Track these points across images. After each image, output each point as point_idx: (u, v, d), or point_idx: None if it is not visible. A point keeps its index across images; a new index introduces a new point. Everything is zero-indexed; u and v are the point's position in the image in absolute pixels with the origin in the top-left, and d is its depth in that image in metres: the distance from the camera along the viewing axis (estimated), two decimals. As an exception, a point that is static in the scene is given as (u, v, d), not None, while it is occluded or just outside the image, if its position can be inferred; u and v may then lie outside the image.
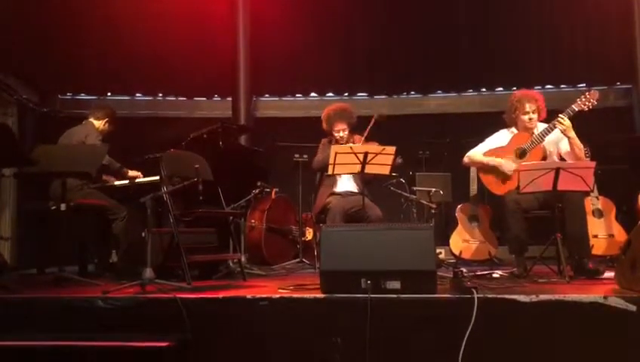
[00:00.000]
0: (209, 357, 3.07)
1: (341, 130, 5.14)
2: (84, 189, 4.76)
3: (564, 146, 4.39)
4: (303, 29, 7.59)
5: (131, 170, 5.09)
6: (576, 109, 4.26)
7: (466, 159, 4.76)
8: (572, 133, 4.25)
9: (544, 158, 4.39)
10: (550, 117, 4.50)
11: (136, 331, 2.99)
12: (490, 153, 4.61)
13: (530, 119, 4.47)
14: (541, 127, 4.47)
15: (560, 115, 4.25)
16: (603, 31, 7.31)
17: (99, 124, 5.18)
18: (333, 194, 5.12)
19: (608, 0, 7.20)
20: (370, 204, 4.89)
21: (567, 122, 4.22)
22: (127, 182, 5.00)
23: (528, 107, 4.46)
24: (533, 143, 4.42)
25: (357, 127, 5.22)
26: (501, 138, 4.65)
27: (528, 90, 4.77)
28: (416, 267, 3.08)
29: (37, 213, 5.07)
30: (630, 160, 6.23)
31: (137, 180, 4.98)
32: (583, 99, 4.26)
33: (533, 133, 4.47)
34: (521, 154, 4.45)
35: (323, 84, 7.98)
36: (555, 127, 4.30)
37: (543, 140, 4.40)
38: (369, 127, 4.91)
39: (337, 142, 5.19)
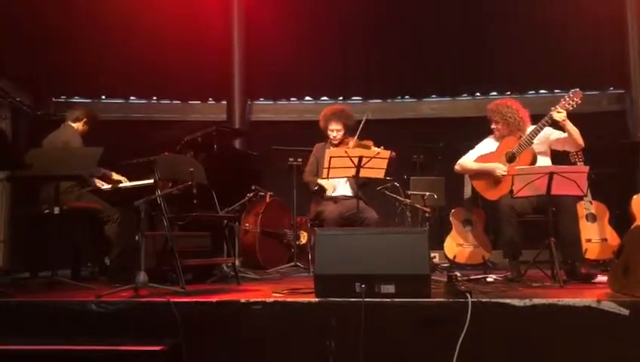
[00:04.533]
0: (202, 361, 3.06)
1: (335, 130, 5.18)
2: (74, 192, 4.75)
3: (559, 135, 4.43)
4: (298, 32, 7.59)
5: (124, 173, 5.08)
6: (562, 110, 4.28)
7: (457, 167, 4.80)
8: (568, 122, 4.28)
9: (534, 161, 4.40)
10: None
11: (129, 335, 2.98)
12: (480, 159, 4.64)
13: (497, 129, 4.62)
14: (529, 130, 4.49)
15: (555, 111, 4.27)
16: (596, 36, 7.35)
17: (77, 125, 5.15)
18: (327, 199, 5.13)
19: (601, 6, 7.23)
20: (366, 208, 4.90)
21: (564, 114, 4.26)
22: (120, 185, 4.98)
23: (491, 119, 4.65)
24: (521, 147, 4.43)
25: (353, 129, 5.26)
26: (488, 145, 4.70)
27: (500, 100, 4.81)
28: (410, 271, 3.08)
29: (30, 217, 5.05)
30: (623, 164, 6.26)
31: (128, 184, 4.96)
32: (567, 99, 4.30)
33: (520, 136, 4.49)
34: (511, 158, 4.47)
35: (317, 87, 7.98)
36: (544, 127, 4.33)
37: (532, 143, 4.42)
38: (359, 128, 4.95)
39: (330, 141, 5.21)
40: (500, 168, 4.46)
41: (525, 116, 4.56)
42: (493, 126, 4.67)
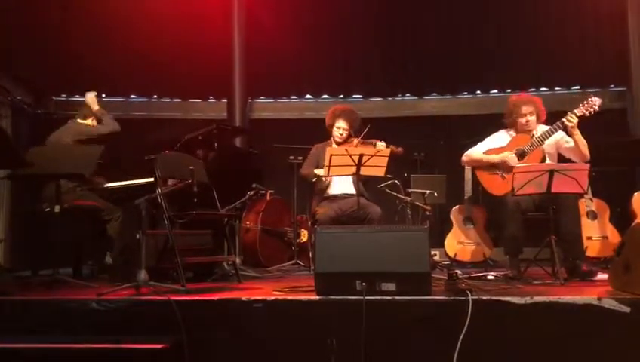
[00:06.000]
0: (204, 359, 3.06)
1: (342, 129, 5.14)
2: (77, 191, 4.75)
3: (568, 143, 4.42)
4: (298, 30, 7.58)
5: (124, 171, 5.08)
6: (578, 114, 4.27)
7: (464, 158, 4.76)
8: (577, 131, 4.28)
9: (543, 161, 4.41)
10: (547, 119, 4.53)
11: (130, 333, 2.99)
12: (489, 153, 4.62)
13: (527, 121, 4.50)
14: (540, 129, 4.49)
15: (569, 115, 4.26)
16: (597, 33, 7.33)
17: (88, 122, 5.16)
18: (327, 198, 5.12)
19: (602, 3, 7.22)
20: (368, 203, 4.90)
21: (575, 120, 4.25)
22: (121, 183, 4.98)
23: (524, 109, 4.50)
24: (532, 146, 4.43)
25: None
26: (500, 139, 4.67)
27: (524, 93, 4.79)
28: (411, 269, 3.08)
29: (31, 215, 5.05)
30: (624, 162, 6.25)
31: (130, 182, 4.96)
32: (586, 105, 4.28)
33: (533, 135, 4.49)
34: (521, 155, 4.46)
35: (318, 85, 7.98)
36: (558, 130, 4.33)
37: (544, 143, 4.41)
38: (365, 130, 4.95)
39: (334, 139, 5.21)
40: (511, 159, 4.44)
41: (544, 116, 4.55)
42: (528, 118, 4.50)
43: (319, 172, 5.00)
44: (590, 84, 7.32)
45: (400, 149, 4.84)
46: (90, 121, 5.17)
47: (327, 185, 5.15)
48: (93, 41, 7.33)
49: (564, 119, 4.27)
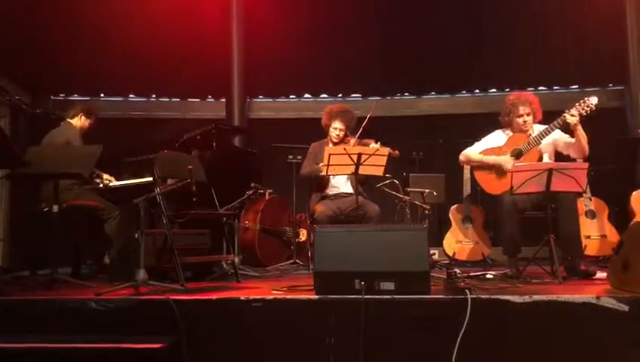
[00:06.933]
0: (202, 359, 3.06)
1: (338, 129, 5.15)
2: (74, 190, 4.75)
3: (566, 139, 4.43)
4: (297, 30, 7.58)
5: (122, 171, 5.08)
6: (575, 113, 4.27)
7: (462, 157, 4.76)
8: (580, 127, 4.27)
9: (540, 160, 4.40)
10: (545, 118, 4.53)
11: (129, 333, 2.98)
12: (486, 153, 4.62)
13: (524, 122, 4.50)
14: (537, 128, 4.49)
15: (567, 114, 4.26)
16: (595, 32, 7.33)
17: (76, 121, 5.16)
18: (325, 197, 5.12)
19: (601, 2, 7.23)
20: (366, 202, 4.90)
21: (577, 117, 4.24)
22: (119, 183, 4.98)
23: (522, 110, 4.49)
24: (529, 145, 4.43)
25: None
26: (497, 138, 4.67)
27: (522, 92, 4.79)
28: (409, 268, 3.08)
29: (29, 215, 5.04)
30: (623, 161, 6.26)
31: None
32: (582, 104, 4.27)
33: (529, 134, 4.49)
34: (517, 155, 4.46)
35: (317, 85, 7.97)
36: (555, 129, 4.33)
37: (540, 143, 4.41)
38: (362, 125, 4.94)
39: (331, 139, 5.20)
40: (508, 163, 4.44)
41: (539, 116, 4.56)
42: (525, 118, 4.50)
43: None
44: (589, 83, 7.32)
45: (396, 152, 4.82)
46: (77, 120, 5.16)
47: (326, 184, 5.15)
48: (92, 41, 7.32)
49: (563, 117, 4.27)
